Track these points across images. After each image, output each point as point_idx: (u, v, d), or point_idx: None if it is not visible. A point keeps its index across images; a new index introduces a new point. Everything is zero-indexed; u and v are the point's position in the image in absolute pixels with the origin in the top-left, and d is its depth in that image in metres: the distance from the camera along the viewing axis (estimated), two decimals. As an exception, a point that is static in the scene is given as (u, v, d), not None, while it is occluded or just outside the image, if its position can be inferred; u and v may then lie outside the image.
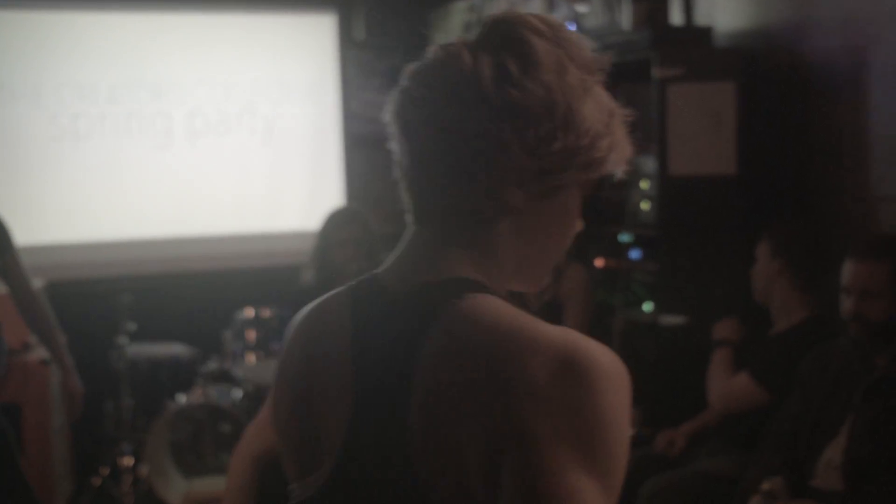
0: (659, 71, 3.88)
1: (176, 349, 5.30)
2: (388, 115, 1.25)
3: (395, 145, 1.25)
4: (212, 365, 5.11)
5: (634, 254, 4.23)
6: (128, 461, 5.03)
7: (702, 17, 4.20)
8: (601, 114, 1.20)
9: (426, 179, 1.21)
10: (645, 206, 4.10)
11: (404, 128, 1.22)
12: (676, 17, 4.17)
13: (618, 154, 1.22)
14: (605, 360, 1.09)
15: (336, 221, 4.35)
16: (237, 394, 4.94)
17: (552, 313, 3.90)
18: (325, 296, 1.30)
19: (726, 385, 3.50)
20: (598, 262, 4.38)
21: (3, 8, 5.57)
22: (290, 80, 6.08)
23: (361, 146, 6.28)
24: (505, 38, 1.19)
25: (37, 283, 5.18)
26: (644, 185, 4.08)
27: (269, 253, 5.95)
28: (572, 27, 4.67)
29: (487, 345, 1.11)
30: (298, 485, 1.25)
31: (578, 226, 1.26)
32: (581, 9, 4.60)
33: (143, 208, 5.80)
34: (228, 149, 5.97)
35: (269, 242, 5.99)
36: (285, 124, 6.07)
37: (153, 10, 5.86)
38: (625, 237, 4.26)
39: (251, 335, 4.94)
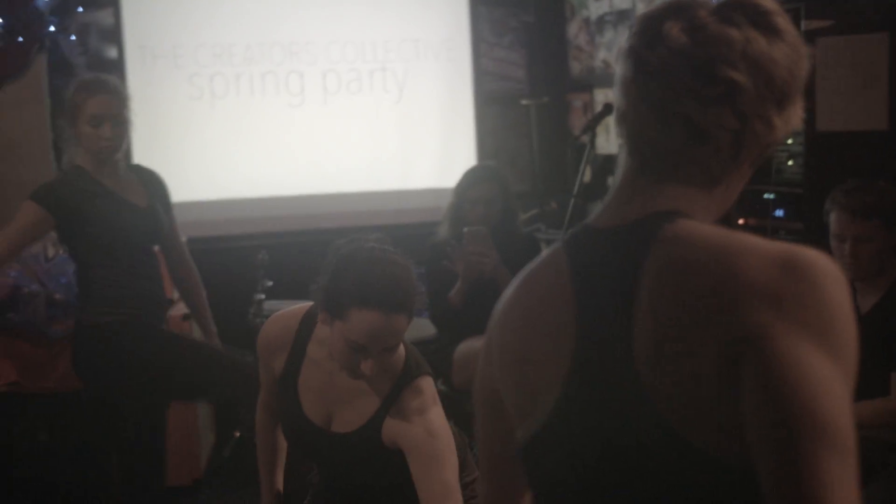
0: (807, 23, 3.73)
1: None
2: (630, 61, 1.29)
3: (628, 92, 1.29)
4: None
5: (778, 212, 4.10)
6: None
7: (853, -35, 4.02)
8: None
9: (670, 133, 1.27)
10: (790, 163, 3.96)
11: (665, 81, 1.25)
12: (826, -35, 3.99)
13: None
14: (822, 260, 1.15)
15: (470, 179, 4.32)
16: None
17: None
18: (537, 259, 1.39)
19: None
20: (741, 221, 4.25)
21: (143, -30, 5.69)
22: (423, 38, 6.06)
23: (493, 103, 6.24)
24: (767, 24, 1.26)
25: (178, 239, 5.31)
26: (789, 141, 3.94)
27: (402, 210, 5.97)
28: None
29: (707, 256, 1.17)
30: (521, 427, 1.34)
31: None
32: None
33: (278, 166, 5.88)
34: (361, 107, 6.00)
35: (402, 200, 6.01)
36: (417, 82, 6.07)
37: (287, -30, 5.90)
38: (769, 195, 4.13)
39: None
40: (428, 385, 2.47)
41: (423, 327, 4.84)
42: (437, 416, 2.43)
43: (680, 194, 1.28)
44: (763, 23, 1.25)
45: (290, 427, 2.60)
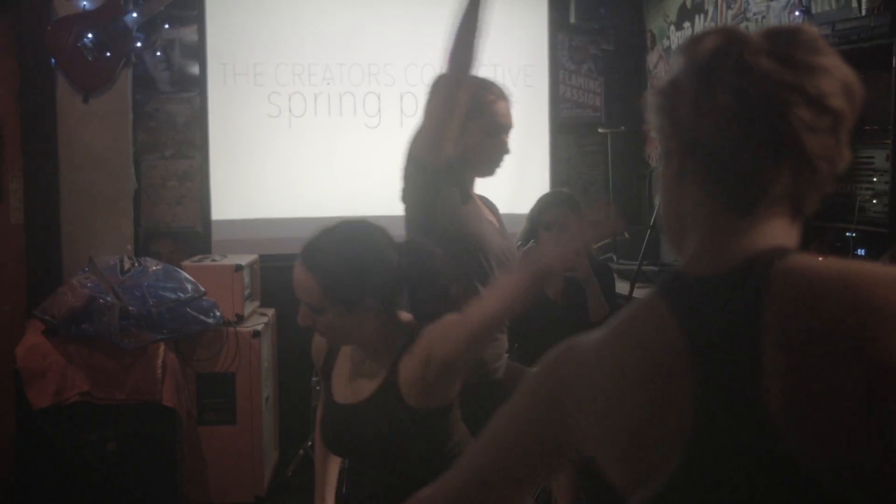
0: (898, 59, 3.64)
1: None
2: (724, 93, 1.22)
3: (724, 127, 1.21)
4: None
5: (860, 251, 4.01)
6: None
7: (946, 2, 3.92)
8: None
9: (781, 168, 1.22)
10: (874, 201, 3.87)
11: (778, 114, 1.20)
12: (918, 1, 3.90)
13: None
14: None
15: (544, 204, 4.32)
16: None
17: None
18: (627, 312, 1.30)
19: None
20: (819, 259, 4.16)
21: (227, -11, 5.77)
22: (501, 64, 6.05)
23: (569, 131, 6.20)
24: (832, 51, 1.23)
25: (249, 257, 5.35)
26: (874, 179, 3.85)
27: (474, 236, 5.95)
28: (800, 13, 4.45)
29: (834, 289, 1.11)
30: (637, 494, 1.25)
31: None
32: (811, -8, 4.38)
33: (353, 186, 5.90)
34: (437, 130, 5.99)
35: (474, 225, 5.99)
36: (494, 107, 6.04)
37: (369, -8, 5.94)
38: (850, 233, 4.04)
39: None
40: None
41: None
42: None
43: (775, 229, 1.23)
44: (830, 49, 1.23)
45: (324, 419, 2.64)
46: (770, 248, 1.21)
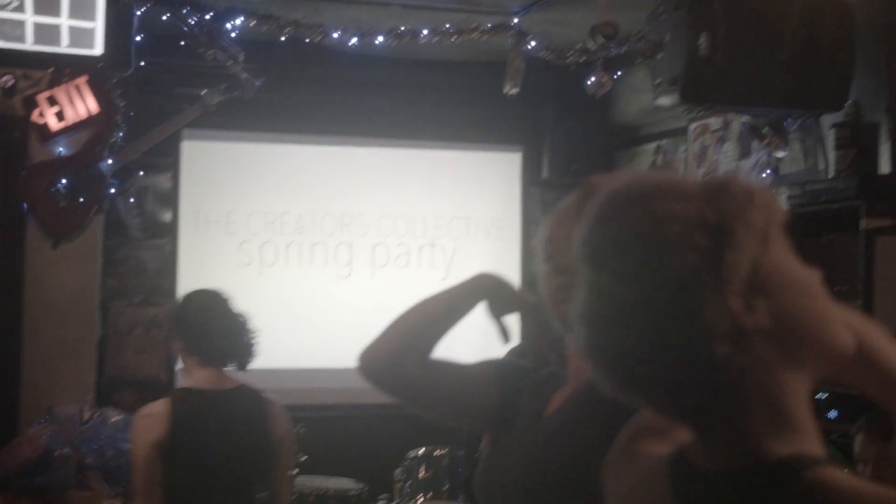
0: (867, 221, 3.67)
1: (345, 483, 5.22)
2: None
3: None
4: (380, 503, 5.02)
5: (832, 414, 3.96)
6: None
7: (912, 166, 3.98)
8: None
9: None
10: (846, 363, 3.85)
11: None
12: (885, 165, 3.96)
13: None
14: None
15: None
16: (404, 534, 4.81)
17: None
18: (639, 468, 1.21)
19: None
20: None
21: (202, 139, 5.80)
22: (474, 216, 6.09)
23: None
24: None
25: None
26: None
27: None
28: (769, 172, 4.52)
29: None
30: None
31: None
32: (779, 154, 4.45)
33: (321, 337, 5.84)
34: (408, 282, 5.98)
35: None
36: (465, 260, 6.05)
37: (342, 143, 6.00)
38: (820, 394, 4.00)
39: (422, 474, 4.83)
40: None
41: None
42: None
43: (795, 427, 1.10)
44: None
45: None
46: (796, 454, 1.07)
